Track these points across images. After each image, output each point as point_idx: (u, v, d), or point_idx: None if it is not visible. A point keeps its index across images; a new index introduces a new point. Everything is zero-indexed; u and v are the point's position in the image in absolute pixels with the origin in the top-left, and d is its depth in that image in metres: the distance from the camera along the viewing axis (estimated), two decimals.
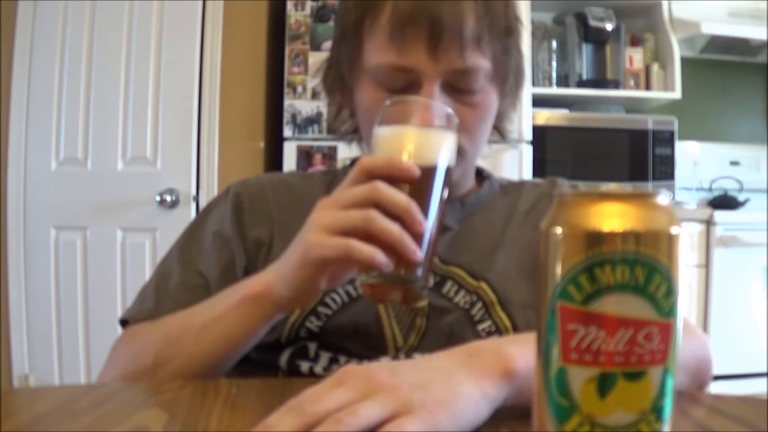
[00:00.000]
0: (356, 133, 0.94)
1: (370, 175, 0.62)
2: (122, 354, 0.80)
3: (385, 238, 0.59)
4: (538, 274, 0.42)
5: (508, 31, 0.83)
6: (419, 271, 0.62)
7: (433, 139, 0.66)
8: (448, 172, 0.66)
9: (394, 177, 0.62)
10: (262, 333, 0.72)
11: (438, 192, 0.65)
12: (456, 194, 0.91)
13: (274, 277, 0.68)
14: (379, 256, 0.59)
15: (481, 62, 0.79)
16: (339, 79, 0.88)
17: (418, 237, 0.61)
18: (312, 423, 0.45)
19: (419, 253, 0.61)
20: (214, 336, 0.71)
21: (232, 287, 0.73)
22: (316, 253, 0.62)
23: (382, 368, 0.51)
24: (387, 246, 0.60)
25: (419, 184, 0.63)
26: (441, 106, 0.69)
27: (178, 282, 0.84)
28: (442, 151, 0.66)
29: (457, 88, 0.79)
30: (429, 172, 0.64)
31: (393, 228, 0.59)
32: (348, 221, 0.61)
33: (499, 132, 0.94)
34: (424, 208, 0.63)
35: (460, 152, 0.81)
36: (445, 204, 0.66)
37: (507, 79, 0.85)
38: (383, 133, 0.67)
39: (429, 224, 0.63)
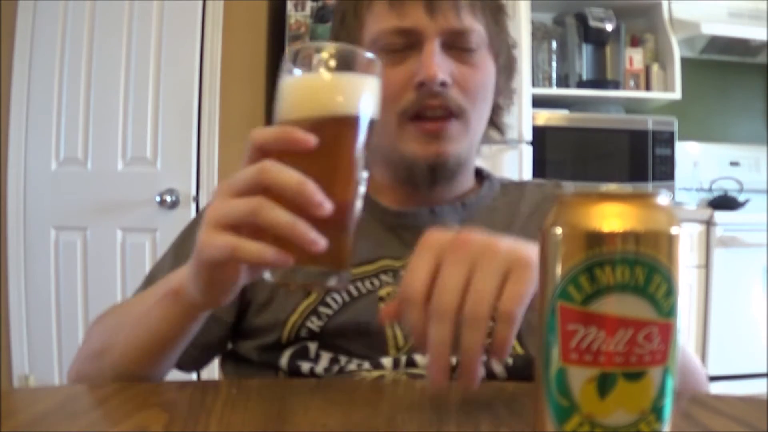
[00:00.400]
0: None
1: (263, 152, 0.55)
2: (85, 339, 0.80)
3: (275, 230, 0.52)
4: (538, 274, 0.42)
5: (499, 7, 0.88)
6: (338, 261, 0.54)
7: (343, 84, 0.56)
8: (370, 125, 0.56)
9: (289, 150, 0.53)
10: (191, 330, 0.68)
11: (355, 151, 0.55)
12: (456, 193, 0.90)
13: (186, 275, 0.62)
14: (268, 254, 0.52)
15: (476, 25, 0.83)
16: None
17: (322, 221, 0.52)
18: (455, 323, 0.50)
19: (321, 242, 0.52)
20: (144, 330, 0.69)
21: (166, 277, 0.70)
22: (205, 255, 0.56)
23: (463, 233, 0.54)
24: (282, 237, 0.52)
25: (330, 145, 0.54)
26: (355, 48, 0.60)
27: (167, 274, 0.84)
28: (360, 100, 0.56)
29: (455, 48, 0.83)
30: (342, 127, 0.55)
31: (282, 218, 0.52)
32: (235, 214, 0.54)
33: (497, 128, 0.95)
34: (338, 175, 0.55)
35: (464, 117, 0.83)
36: (365, 161, 0.57)
37: (500, 53, 0.89)
38: (286, 84, 0.57)
39: (346, 192, 0.55)
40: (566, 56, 3.03)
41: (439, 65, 0.80)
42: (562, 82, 3.02)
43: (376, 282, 0.82)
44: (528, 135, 2.60)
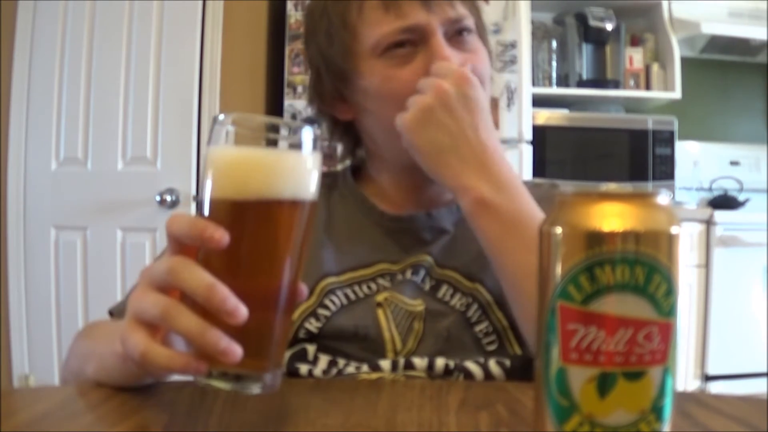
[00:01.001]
0: (352, 154, 0.95)
1: (180, 245, 0.52)
2: (69, 353, 0.79)
3: (185, 338, 0.50)
4: (538, 274, 0.42)
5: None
6: (263, 363, 0.51)
7: (279, 165, 0.51)
8: (306, 207, 0.52)
9: (203, 245, 0.50)
10: (150, 380, 0.64)
11: (291, 233, 0.51)
12: (450, 196, 0.90)
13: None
14: (176, 364, 0.50)
15: (467, 14, 0.85)
16: (333, 81, 0.87)
17: (239, 329, 0.47)
18: None
19: (235, 351, 0.47)
20: (105, 373, 0.65)
21: (118, 327, 0.61)
22: (124, 348, 0.53)
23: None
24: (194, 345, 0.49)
25: (257, 230, 0.50)
26: (292, 122, 0.55)
27: None
28: (297, 179, 0.51)
29: (456, 37, 0.83)
30: (273, 209, 0.51)
31: (190, 327, 0.49)
32: (148, 315, 0.51)
33: None
34: (266, 261, 0.51)
35: None
36: (307, 245, 0.52)
37: (485, 39, 0.89)
38: (212, 157, 0.52)
39: (283, 277, 0.51)
40: (566, 56, 3.03)
41: (452, 54, 0.80)
42: (562, 81, 3.02)
43: (374, 286, 0.82)
44: (528, 134, 2.60)
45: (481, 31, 0.89)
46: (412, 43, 0.81)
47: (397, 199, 0.89)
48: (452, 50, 0.81)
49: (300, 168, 0.52)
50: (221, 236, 0.49)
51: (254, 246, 0.51)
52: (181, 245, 0.52)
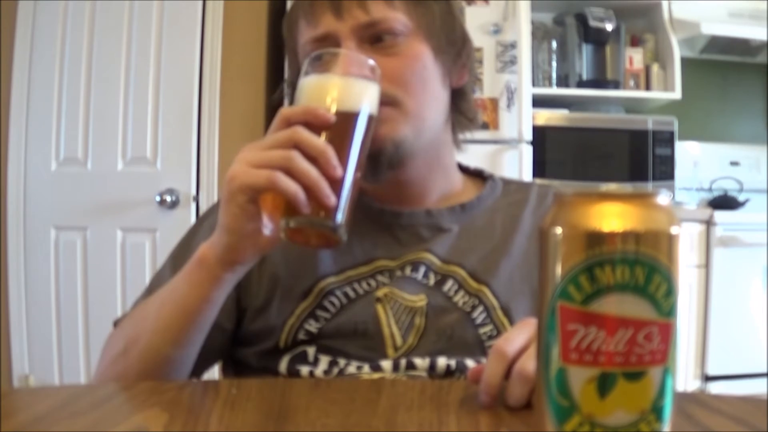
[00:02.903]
0: None
1: (290, 123, 0.65)
2: (104, 349, 0.82)
3: (303, 179, 0.62)
4: (538, 274, 0.42)
5: None
6: (337, 216, 0.65)
7: (353, 87, 0.70)
8: (370, 120, 0.69)
9: (311, 123, 0.65)
10: (217, 299, 0.72)
11: (359, 138, 0.68)
12: (443, 191, 0.90)
13: (215, 234, 0.70)
14: (301, 194, 0.62)
15: (390, 14, 0.81)
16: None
17: (334, 182, 0.64)
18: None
19: (333, 199, 0.64)
20: (170, 308, 0.73)
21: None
22: (239, 181, 0.64)
23: None
24: (305, 188, 0.63)
25: (339, 130, 0.66)
26: (362, 57, 0.73)
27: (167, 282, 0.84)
28: (363, 98, 0.69)
29: (376, 41, 0.81)
30: (349, 118, 0.68)
31: (311, 170, 0.63)
32: (270, 158, 0.63)
33: (464, 114, 0.91)
34: (344, 154, 0.66)
35: (398, 105, 0.80)
36: (367, 151, 0.69)
37: (434, 35, 0.84)
38: (305, 83, 0.70)
39: (349, 169, 0.66)
40: (566, 56, 3.03)
41: None
42: (562, 82, 3.02)
43: (373, 283, 0.82)
44: (528, 135, 2.60)
45: (428, 26, 0.84)
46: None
47: (391, 196, 0.88)
48: (366, 54, 0.78)
49: (366, 91, 0.70)
50: (329, 115, 0.65)
51: (336, 138, 0.66)
52: (288, 127, 0.65)
